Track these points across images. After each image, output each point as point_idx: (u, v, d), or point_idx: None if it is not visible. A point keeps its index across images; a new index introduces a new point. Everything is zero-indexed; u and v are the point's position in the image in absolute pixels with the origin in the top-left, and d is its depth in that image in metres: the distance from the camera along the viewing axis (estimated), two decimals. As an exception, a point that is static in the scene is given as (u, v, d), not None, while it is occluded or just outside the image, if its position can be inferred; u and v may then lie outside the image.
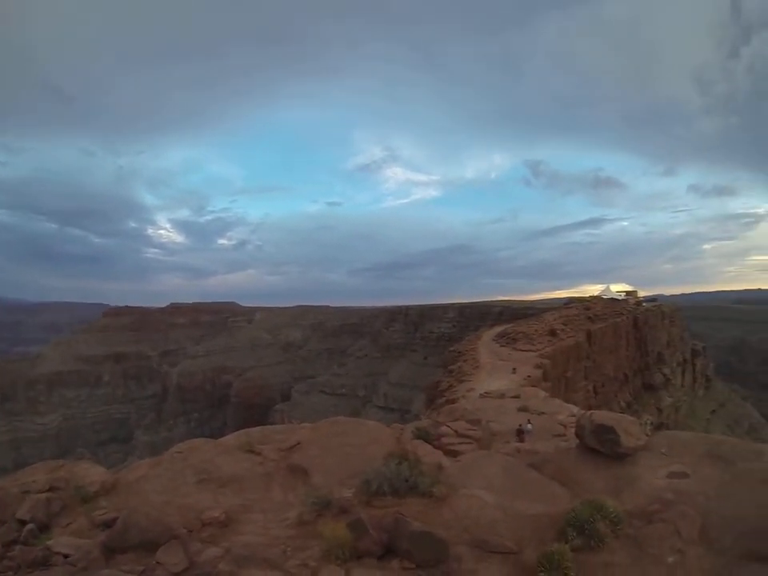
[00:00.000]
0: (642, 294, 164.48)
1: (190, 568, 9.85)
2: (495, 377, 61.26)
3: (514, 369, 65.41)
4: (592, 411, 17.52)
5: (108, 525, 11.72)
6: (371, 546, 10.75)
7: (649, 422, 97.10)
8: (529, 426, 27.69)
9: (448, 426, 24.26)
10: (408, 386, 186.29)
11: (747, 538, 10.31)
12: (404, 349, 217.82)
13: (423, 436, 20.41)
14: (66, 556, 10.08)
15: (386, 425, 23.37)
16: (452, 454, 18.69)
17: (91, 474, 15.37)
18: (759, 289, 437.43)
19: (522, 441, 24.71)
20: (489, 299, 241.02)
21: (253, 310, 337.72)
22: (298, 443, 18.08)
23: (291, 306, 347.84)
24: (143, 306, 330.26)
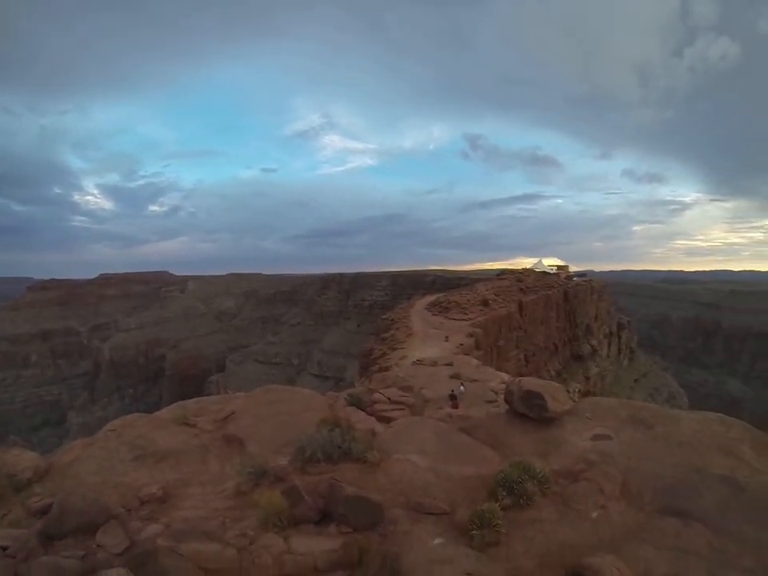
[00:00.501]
0: (572, 268, 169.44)
1: (132, 547, 9.69)
2: (428, 345, 62.06)
3: (447, 337, 66.24)
4: (521, 378, 18.21)
5: (44, 512, 11.28)
6: (307, 512, 10.92)
7: (577, 389, 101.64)
8: (461, 388, 28.38)
9: (381, 393, 24.59)
10: (342, 353, 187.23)
11: (664, 495, 11.09)
12: (337, 316, 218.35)
13: (356, 403, 20.63)
14: (4, 548, 9.66)
15: (320, 393, 23.45)
16: (385, 420, 18.98)
17: (23, 460, 14.64)
18: (682, 270, 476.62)
19: (455, 406, 25.28)
20: (422, 268, 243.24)
21: (185, 279, 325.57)
22: (233, 413, 17.92)
23: (224, 274, 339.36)
24: (71, 278, 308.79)
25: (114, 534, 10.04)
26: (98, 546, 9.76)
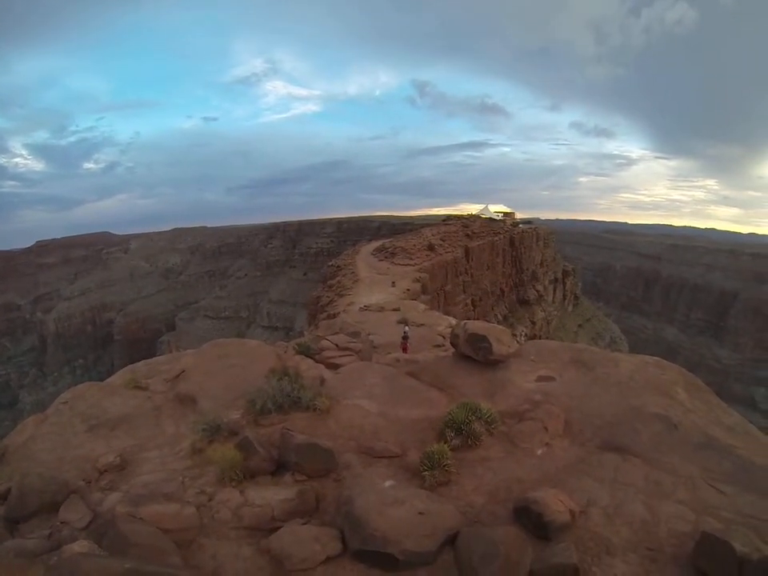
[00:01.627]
0: (519, 216, 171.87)
1: (96, 519, 9.72)
2: (375, 290, 62.44)
3: (393, 282, 66.94)
4: (466, 321, 18.69)
5: (3, 497, 11.08)
6: (262, 463, 11.12)
7: (523, 333, 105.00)
8: (406, 328, 29.08)
9: (328, 340, 24.81)
10: (289, 303, 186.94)
11: (604, 431, 11.85)
12: (283, 266, 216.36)
13: (305, 351, 20.70)
14: (-31, 539, 9.48)
15: (270, 343, 23.42)
16: (333, 367, 19.16)
17: (-26, 448, 14.20)
18: (625, 222, 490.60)
19: (404, 347, 25.91)
20: (367, 215, 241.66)
21: (128, 239, 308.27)
22: (183, 371, 17.67)
23: (168, 230, 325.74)
24: (4, 249, 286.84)
25: (76, 509, 10.08)
26: (62, 522, 9.76)
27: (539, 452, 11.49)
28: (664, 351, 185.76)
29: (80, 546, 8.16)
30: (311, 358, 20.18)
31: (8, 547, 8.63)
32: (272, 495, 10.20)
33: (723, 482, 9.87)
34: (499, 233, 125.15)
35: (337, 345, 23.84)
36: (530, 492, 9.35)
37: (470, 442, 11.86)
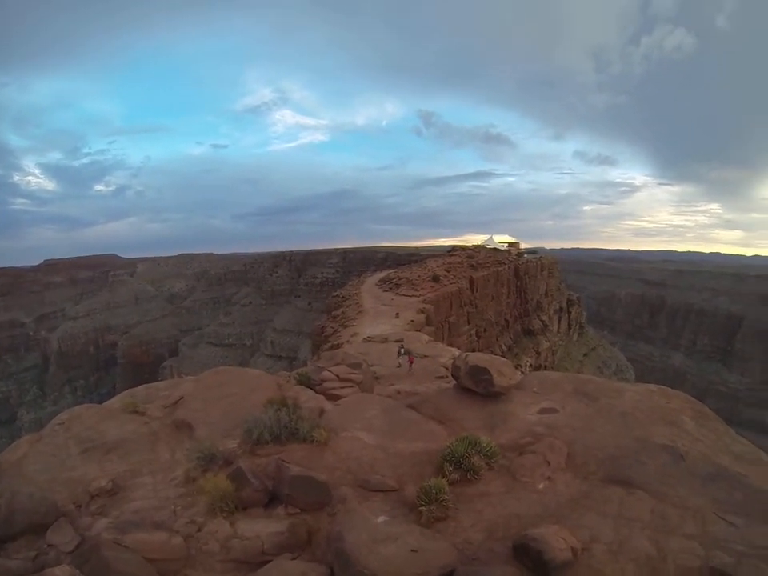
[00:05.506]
0: (523, 245, 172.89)
1: (83, 543, 9.53)
2: (379, 321, 62.38)
3: (397, 313, 66.84)
4: (467, 353, 18.48)
5: None
6: (254, 494, 10.92)
7: (528, 363, 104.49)
8: (401, 350, 29.23)
9: (329, 371, 24.54)
10: (294, 332, 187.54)
11: (608, 464, 11.50)
12: (289, 295, 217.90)
13: (305, 381, 20.49)
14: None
15: (273, 373, 23.23)
16: (333, 398, 18.93)
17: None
18: (629, 249, 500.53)
19: (412, 359, 26.62)
20: (374, 245, 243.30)
21: (134, 262, 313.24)
22: (182, 398, 17.54)
23: (174, 255, 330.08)
24: (13, 266, 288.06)
25: (64, 532, 9.94)
26: (49, 545, 9.64)
27: (540, 486, 11.16)
28: (671, 378, 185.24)
29: (61, 570, 8.10)
30: (312, 388, 19.95)
31: None
32: (263, 528, 10.01)
33: (733, 514, 9.52)
34: (504, 263, 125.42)
35: (338, 376, 23.50)
36: (530, 529, 9.02)
37: (469, 477, 11.58)
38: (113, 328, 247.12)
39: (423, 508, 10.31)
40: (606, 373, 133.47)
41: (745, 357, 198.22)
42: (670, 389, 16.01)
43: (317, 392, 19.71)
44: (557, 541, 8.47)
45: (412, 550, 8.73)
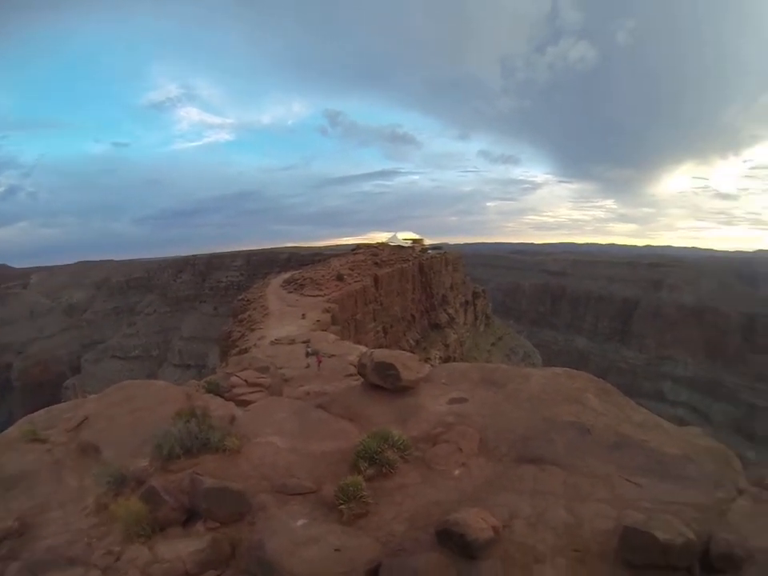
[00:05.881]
0: (428, 242, 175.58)
1: None
2: (285, 323, 61.78)
3: (304, 314, 66.49)
4: (372, 350, 18.75)
5: None
6: (171, 513, 10.54)
7: (437, 356, 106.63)
8: (308, 349, 29.23)
9: (238, 377, 24.06)
10: (201, 339, 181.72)
11: (519, 445, 12.00)
12: (194, 301, 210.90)
13: (214, 389, 20.02)
14: None
15: (183, 383, 22.44)
16: (243, 403, 18.60)
17: None
18: (532, 243, 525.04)
19: (320, 359, 26.28)
20: (277, 246, 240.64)
21: (27, 272, 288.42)
22: (86, 418, 16.51)
23: (71, 263, 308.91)
24: None
25: None
26: None
27: (456, 473, 11.45)
28: (576, 360, 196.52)
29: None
30: (221, 396, 19.50)
31: None
32: (183, 548, 9.68)
33: (639, 475, 10.21)
34: (408, 260, 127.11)
35: (246, 381, 23.07)
36: (451, 514, 9.21)
37: (384, 471, 11.70)
38: (6, 347, 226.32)
39: (343, 506, 10.32)
40: (513, 360, 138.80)
41: (641, 335, 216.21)
42: (574, 370, 16.84)
43: (226, 399, 19.29)
44: (477, 522, 8.69)
45: (335, 550, 8.73)
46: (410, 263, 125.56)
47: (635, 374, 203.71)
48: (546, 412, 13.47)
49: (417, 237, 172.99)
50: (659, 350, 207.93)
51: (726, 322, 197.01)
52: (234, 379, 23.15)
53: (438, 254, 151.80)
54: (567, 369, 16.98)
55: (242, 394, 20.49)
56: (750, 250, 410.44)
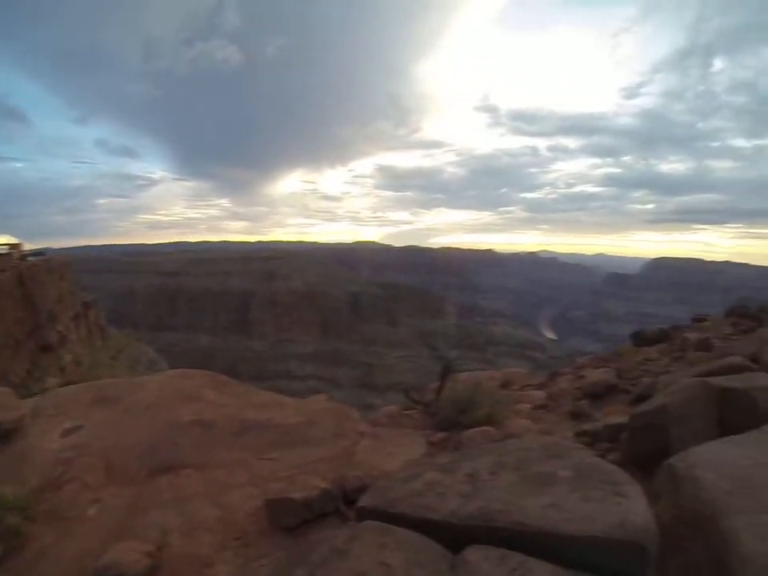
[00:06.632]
0: (28, 247, 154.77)
1: None
2: None
3: None
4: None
5: None
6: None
7: (55, 384, 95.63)
8: None
9: None
10: None
11: (147, 459, 11.70)
12: None
13: None
14: None
15: None
16: None
17: None
18: (144, 243, 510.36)
19: None
20: None
21: None
22: None
23: None
24: None
25: None
26: None
27: (91, 512, 10.65)
28: (203, 358, 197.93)
29: None
30: None
31: None
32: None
33: (272, 452, 10.97)
34: (5, 270, 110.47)
35: None
36: (100, 559, 8.67)
37: (14, 543, 10.17)
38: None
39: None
40: (139, 370, 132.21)
41: (262, 323, 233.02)
42: (189, 369, 16.96)
43: None
44: (128, 555, 8.29)
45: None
46: (8, 274, 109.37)
47: (262, 360, 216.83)
48: (167, 416, 13.40)
49: (15, 241, 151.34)
50: (280, 334, 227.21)
51: (335, 301, 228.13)
52: None
53: (40, 260, 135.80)
54: (184, 369, 17.06)
55: None
56: (351, 242, 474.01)
